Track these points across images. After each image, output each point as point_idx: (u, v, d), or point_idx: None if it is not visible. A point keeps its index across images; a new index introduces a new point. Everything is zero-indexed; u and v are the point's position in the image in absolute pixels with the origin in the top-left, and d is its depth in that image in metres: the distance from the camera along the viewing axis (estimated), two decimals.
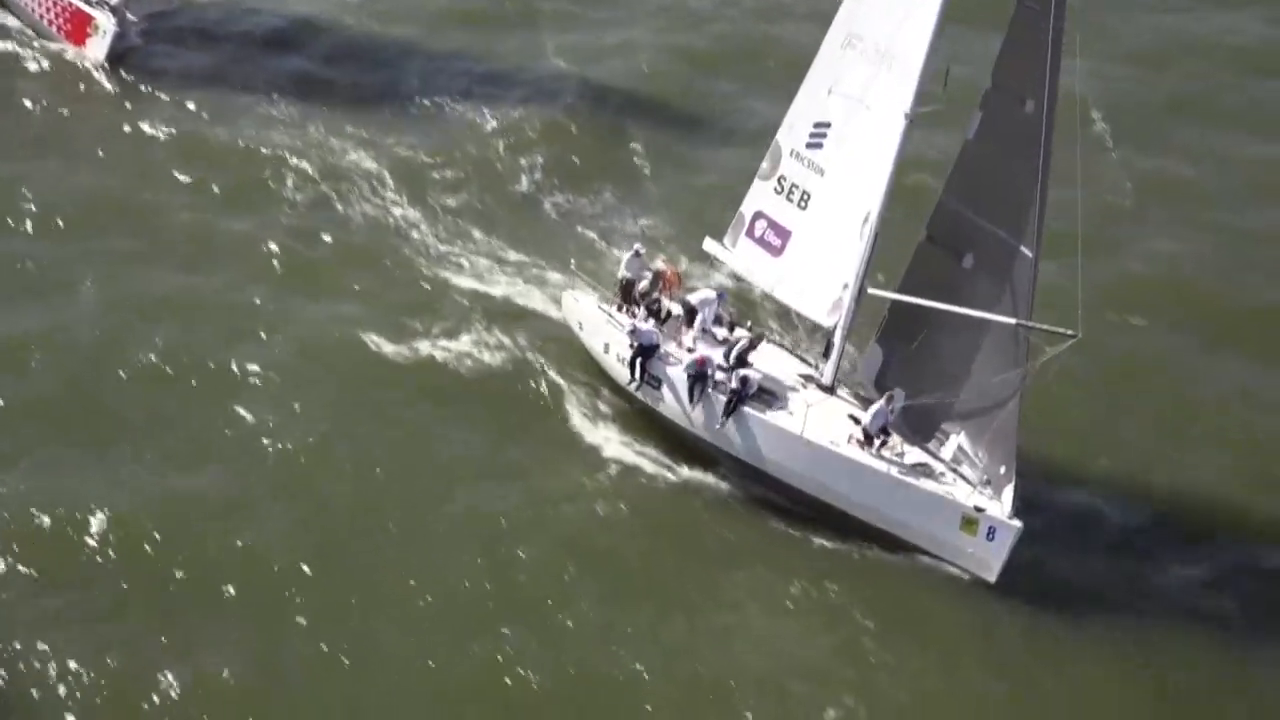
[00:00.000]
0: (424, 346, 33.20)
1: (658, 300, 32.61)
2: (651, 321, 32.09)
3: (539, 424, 31.62)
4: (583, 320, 33.15)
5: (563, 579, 27.90)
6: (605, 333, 32.32)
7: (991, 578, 28.37)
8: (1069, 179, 28.31)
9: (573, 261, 35.23)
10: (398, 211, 37.80)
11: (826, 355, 31.19)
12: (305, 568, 27.50)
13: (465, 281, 35.24)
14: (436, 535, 28.61)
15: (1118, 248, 38.02)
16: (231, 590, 26.93)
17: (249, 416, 30.82)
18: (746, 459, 30.44)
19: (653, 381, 31.36)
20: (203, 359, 32.17)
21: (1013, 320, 28.31)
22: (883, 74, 29.30)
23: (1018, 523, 27.99)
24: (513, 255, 36.35)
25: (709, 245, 33.10)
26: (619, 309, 32.63)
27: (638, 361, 31.33)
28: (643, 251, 33.71)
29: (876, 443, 29.45)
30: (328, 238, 36.68)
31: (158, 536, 27.76)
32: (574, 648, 26.58)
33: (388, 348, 33.05)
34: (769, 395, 30.63)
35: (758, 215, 32.00)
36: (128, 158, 39.07)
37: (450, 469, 30.19)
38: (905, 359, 30.51)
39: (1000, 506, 28.28)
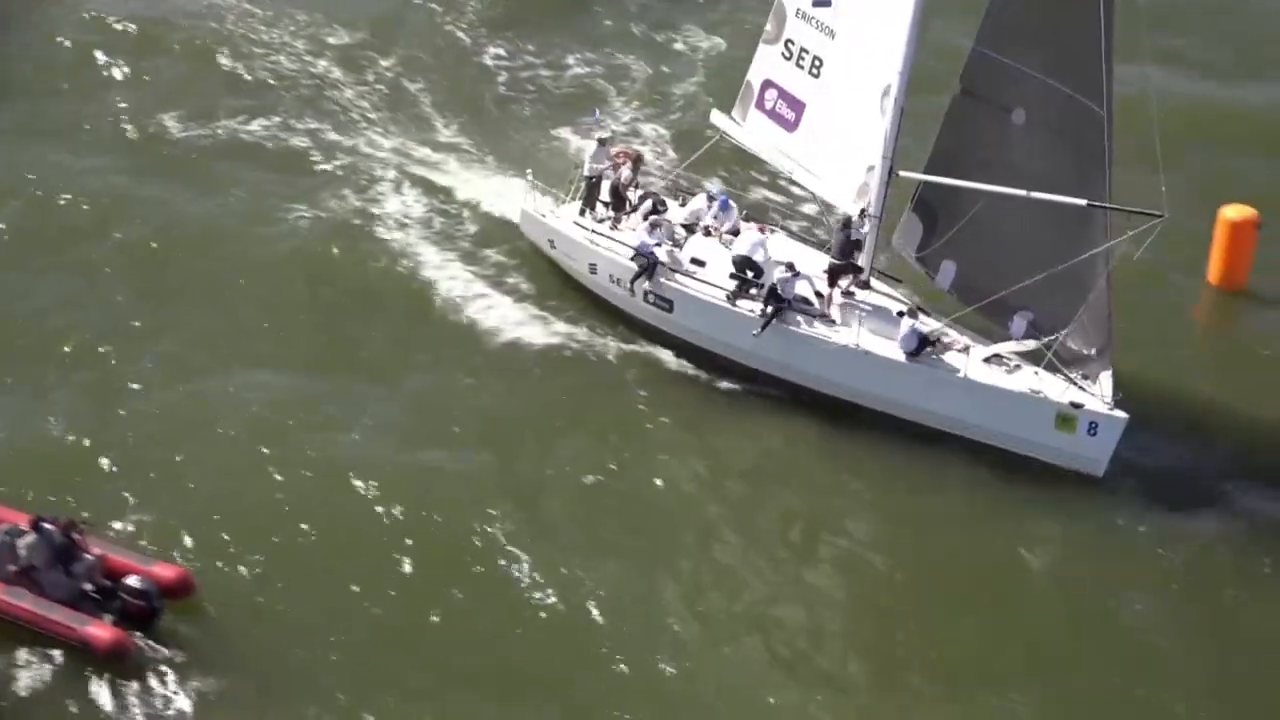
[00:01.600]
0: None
1: (657, 196, 28.49)
2: (654, 218, 27.82)
3: None
4: (554, 237, 28.77)
5: None
6: (587, 252, 28.10)
7: (1099, 472, 25.13)
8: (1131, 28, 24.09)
9: (530, 172, 29.77)
10: (327, 91, 33.67)
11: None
12: None
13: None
14: None
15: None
16: None
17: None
18: (798, 380, 26.61)
19: (662, 303, 27.32)
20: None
21: (1082, 201, 24.40)
22: None
23: (1122, 413, 24.65)
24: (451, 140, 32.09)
25: (717, 118, 29.02)
26: (583, 212, 28.49)
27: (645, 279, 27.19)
28: (607, 138, 29.38)
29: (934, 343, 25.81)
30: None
31: None
32: None
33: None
34: (806, 300, 26.71)
35: (767, 84, 27.96)
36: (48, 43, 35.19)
37: None
38: (953, 226, 26.42)
39: (1099, 399, 24.89)
